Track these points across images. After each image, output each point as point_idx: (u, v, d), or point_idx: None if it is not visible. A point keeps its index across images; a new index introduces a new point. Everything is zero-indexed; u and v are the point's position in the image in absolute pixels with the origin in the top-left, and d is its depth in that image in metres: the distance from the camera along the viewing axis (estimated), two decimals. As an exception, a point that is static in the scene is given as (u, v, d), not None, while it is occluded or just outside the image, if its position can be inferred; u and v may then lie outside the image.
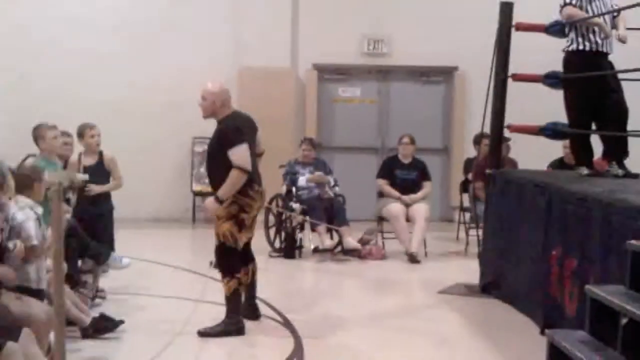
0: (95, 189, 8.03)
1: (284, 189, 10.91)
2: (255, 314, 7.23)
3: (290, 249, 10.42)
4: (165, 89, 13.32)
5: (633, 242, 4.54)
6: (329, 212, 10.58)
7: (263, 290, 8.27)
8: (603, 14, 7.50)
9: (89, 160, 8.19)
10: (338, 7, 13.72)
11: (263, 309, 7.48)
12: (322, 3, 13.74)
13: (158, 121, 13.36)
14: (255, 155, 7.07)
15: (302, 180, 10.81)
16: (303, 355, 6.17)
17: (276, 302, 7.76)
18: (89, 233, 7.49)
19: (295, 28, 13.79)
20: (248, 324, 6.94)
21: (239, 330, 6.78)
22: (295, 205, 10.54)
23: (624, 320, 4.15)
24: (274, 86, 13.54)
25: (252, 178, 6.81)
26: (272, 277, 9.37)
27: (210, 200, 6.80)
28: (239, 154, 6.64)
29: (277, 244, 10.71)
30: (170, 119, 13.33)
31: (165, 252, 10.38)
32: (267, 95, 13.37)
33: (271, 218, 10.99)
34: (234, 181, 6.61)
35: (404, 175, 10.88)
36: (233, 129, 6.76)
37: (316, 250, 10.50)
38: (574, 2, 7.52)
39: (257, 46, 13.40)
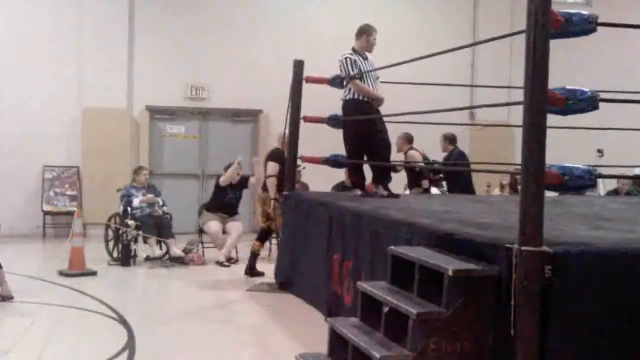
0: None
1: (120, 209, 10.56)
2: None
3: (126, 258, 10.05)
4: (13, 121, 12.66)
5: (393, 247, 4.61)
6: (158, 226, 10.33)
7: (103, 293, 7.97)
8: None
9: None
10: (166, 59, 13.46)
11: (102, 309, 7.21)
12: (152, 55, 13.44)
13: (7, 152, 12.63)
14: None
15: (136, 201, 10.48)
16: (135, 345, 5.95)
17: (113, 302, 7.46)
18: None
19: (130, 76, 13.42)
20: (88, 323, 6.68)
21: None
22: (130, 222, 10.21)
23: (386, 309, 4.22)
24: (113, 124, 13.09)
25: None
26: (110, 281, 9.06)
27: None
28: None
29: (115, 254, 10.31)
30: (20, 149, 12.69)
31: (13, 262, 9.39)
32: (107, 131, 12.96)
33: (110, 233, 10.59)
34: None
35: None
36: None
37: (148, 258, 10.20)
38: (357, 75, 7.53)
39: (97, 88, 12.95)
